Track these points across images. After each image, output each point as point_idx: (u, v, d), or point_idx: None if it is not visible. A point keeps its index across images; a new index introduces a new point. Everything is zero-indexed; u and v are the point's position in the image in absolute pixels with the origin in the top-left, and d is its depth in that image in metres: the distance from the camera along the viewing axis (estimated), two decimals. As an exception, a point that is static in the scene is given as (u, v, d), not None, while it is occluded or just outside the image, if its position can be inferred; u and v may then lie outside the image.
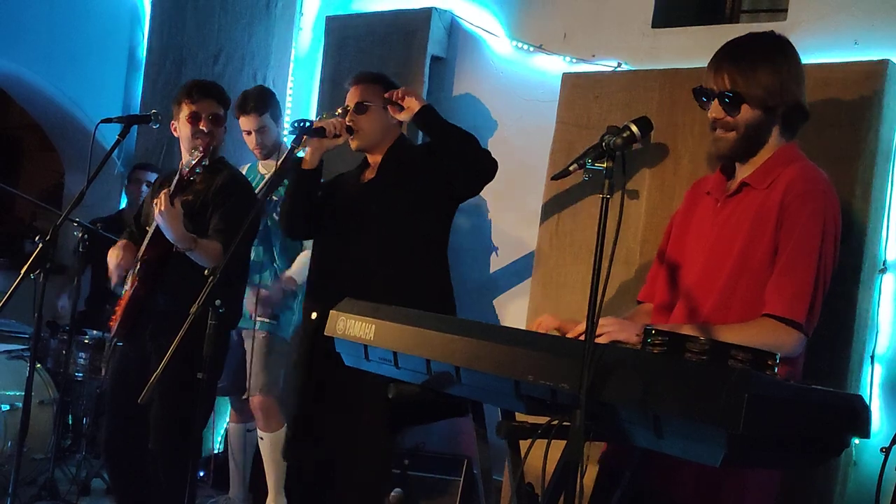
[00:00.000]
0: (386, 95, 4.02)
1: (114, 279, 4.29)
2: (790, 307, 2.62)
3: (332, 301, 3.88)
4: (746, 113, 2.77)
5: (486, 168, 3.97)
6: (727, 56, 2.81)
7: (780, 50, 2.82)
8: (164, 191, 4.02)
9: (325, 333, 2.98)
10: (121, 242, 4.32)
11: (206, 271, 3.44)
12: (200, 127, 4.28)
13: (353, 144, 4.10)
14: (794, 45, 2.86)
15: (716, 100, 2.79)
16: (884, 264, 3.95)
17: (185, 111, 4.30)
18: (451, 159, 3.92)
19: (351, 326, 2.85)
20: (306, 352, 4.07)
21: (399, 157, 4.10)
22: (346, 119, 4.05)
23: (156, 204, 3.99)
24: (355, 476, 3.94)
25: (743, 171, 2.85)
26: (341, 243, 4.06)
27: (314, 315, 4.01)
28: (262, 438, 5.07)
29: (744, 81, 2.74)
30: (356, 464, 3.94)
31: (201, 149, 4.12)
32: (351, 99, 4.12)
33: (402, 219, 4.00)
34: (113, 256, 4.25)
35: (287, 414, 4.16)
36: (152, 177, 6.25)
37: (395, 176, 4.06)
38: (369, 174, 4.15)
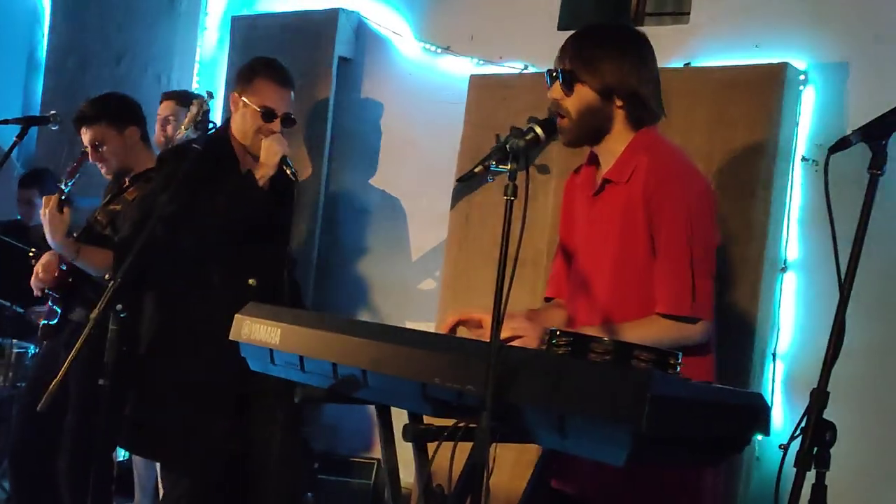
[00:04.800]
0: None
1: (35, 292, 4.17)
2: (674, 304, 2.64)
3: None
4: (580, 93, 2.74)
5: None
6: (572, 39, 2.81)
7: (625, 40, 2.81)
8: (54, 195, 3.91)
9: (229, 338, 2.92)
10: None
11: (106, 276, 3.36)
12: (93, 160, 4.21)
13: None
14: (647, 40, 2.83)
15: (557, 81, 2.78)
16: (784, 263, 4.02)
17: None
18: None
19: (256, 331, 2.80)
20: None
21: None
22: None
23: (43, 207, 3.89)
24: (271, 480, 3.90)
25: (605, 164, 2.83)
26: None
27: None
28: None
29: (582, 64, 2.74)
30: (269, 468, 3.89)
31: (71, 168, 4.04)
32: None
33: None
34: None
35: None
36: (38, 193, 5.99)
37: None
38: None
